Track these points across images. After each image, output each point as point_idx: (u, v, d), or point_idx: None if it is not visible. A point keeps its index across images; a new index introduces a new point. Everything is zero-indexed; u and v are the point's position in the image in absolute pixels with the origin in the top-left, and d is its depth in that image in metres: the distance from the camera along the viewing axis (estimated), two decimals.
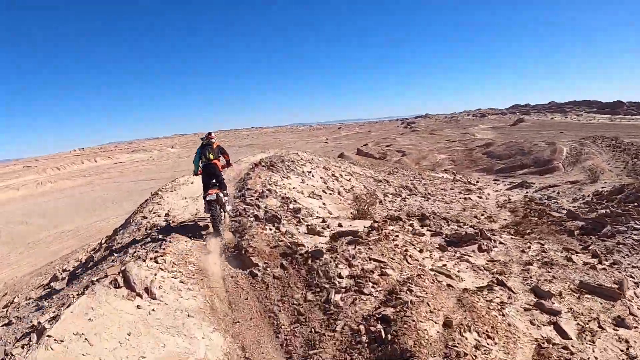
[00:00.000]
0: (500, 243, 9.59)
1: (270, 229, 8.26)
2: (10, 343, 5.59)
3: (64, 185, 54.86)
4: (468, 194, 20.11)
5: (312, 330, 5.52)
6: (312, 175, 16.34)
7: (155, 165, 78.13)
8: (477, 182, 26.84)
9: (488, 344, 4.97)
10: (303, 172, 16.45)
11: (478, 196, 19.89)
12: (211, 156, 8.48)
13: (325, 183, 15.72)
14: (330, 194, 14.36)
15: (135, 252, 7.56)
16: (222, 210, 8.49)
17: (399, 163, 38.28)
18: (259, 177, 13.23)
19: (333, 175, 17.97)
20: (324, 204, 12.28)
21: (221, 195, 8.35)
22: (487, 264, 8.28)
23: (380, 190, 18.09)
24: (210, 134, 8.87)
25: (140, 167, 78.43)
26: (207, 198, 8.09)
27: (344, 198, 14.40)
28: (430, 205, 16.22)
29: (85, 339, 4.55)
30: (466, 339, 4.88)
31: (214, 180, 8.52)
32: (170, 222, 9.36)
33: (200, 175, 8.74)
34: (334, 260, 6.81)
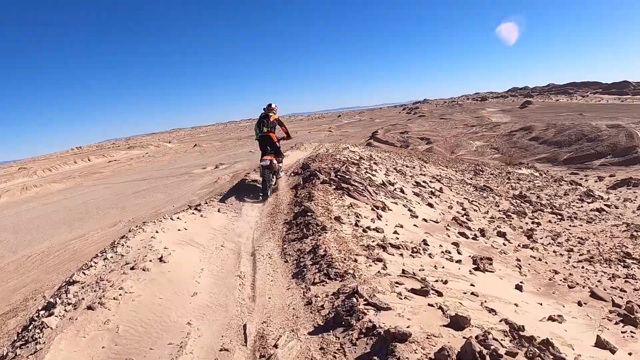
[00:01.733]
0: None
1: None
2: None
3: (50, 190, 47.90)
4: (590, 202, 13.90)
5: None
6: (402, 190, 9.96)
7: (150, 163, 72.01)
8: (582, 180, 20.50)
9: None
10: (387, 185, 10.08)
11: (606, 204, 13.67)
12: (265, 129, 8.71)
13: (431, 206, 9.35)
14: (453, 231, 7.94)
15: None
16: (274, 176, 8.77)
17: (433, 153, 32.12)
18: (335, 231, 6.04)
19: (417, 183, 11.64)
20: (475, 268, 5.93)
21: (275, 162, 8.60)
22: None
23: (493, 205, 11.77)
24: (270, 105, 8.99)
25: (134, 164, 72.20)
26: (262, 163, 8.37)
27: (472, 234, 8.02)
28: (579, 233, 10.00)
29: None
30: None
31: (269, 148, 8.79)
32: None
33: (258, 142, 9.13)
34: None
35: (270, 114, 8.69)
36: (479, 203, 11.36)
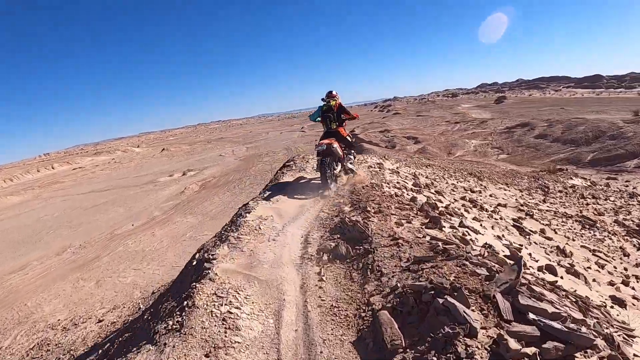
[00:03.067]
0: None
1: None
2: None
3: (5, 203, 41.55)
4: None
5: None
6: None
7: (115, 170, 66.00)
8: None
9: None
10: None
11: None
12: (334, 126, 7.46)
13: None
14: None
15: None
16: (337, 164, 7.19)
17: (427, 154, 27.77)
18: None
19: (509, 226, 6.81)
20: None
21: (336, 145, 6.98)
22: None
23: (620, 254, 7.08)
24: (331, 92, 7.65)
25: (98, 172, 66.13)
26: (317, 149, 6.85)
27: None
28: None
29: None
30: None
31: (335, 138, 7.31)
32: None
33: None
34: None
35: (332, 103, 7.39)
36: (603, 253, 6.71)
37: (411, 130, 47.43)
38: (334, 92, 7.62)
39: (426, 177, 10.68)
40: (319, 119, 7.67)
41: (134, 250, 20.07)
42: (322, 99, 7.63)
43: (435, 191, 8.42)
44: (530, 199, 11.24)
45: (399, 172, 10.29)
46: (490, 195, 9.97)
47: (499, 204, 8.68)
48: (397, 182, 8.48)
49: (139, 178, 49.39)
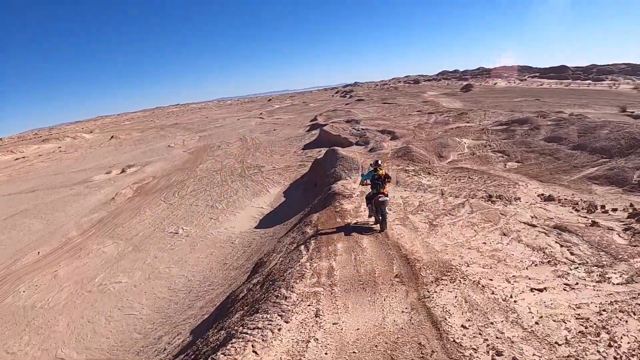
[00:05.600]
0: None
1: None
2: None
3: None
4: None
5: None
6: None
7: (57, 162, 57.87)
8: None
9: None
10: None
11: None
12: (381, 189, 10.12)
13: None
14: None
15: None
16: (387, 211, 10.10)
17: (414, 157, 21.23)
18: None
19: None
20: None
21: (388, 198, 10.04)
22: None
23: None
24: (377, 162, 10.81)
25: (37, 164, 57.76)
26: (379, 199, 9.81)
27: None
28: None
29: None
30: None
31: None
32: None
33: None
34: None
35: (380, 172, 10.30)
36: None
37: (382, 121, 40.79)
38: (380, 162, 10.77)
39: None
40: (369, 181, 10.51)
41: (21, 307, 15.60)
42: (371, 165, 10.93)
43: None
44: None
45: None
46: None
47: None
48: None
49: (74, 174, 42.70)
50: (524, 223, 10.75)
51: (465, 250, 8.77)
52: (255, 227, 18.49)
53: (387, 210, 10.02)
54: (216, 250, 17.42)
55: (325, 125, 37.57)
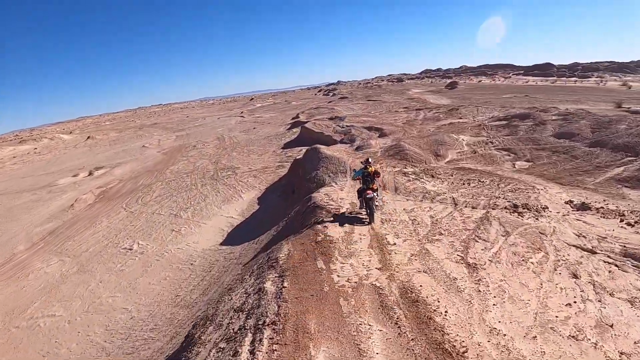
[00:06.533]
0: None
1: None
2: None
3: None
4: None
5: None
6: None
7: (28, 164, 53.69)
8: None
9: None
10: None
11: None
12: (371, 185, 10.23)
13: None
14: None
15: None
16: (374, 206, 10.16)
17: (407, 156, 18.20)
18: None
19: None
20: None
21: (375, 194, 10.13)
22: None
23: None
24: (368, 160, 11.00)
25: (8, 167, 53.29)
26: (367, 196, 9.93)
27: None
28: None
29: None
30: None
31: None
32: None
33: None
34: None
35: (370, 169, 10.51)
36: None
37: (367, 117, 37.73)
38: (370, 160, 10.97)
39: None
40: (359, 178, 10.68)
41: None
42: (362, 162, 11.73)
43: None
44: None
45: None
46: None
47: None
48: None
49: (40, 178, 39.04)
50: (576, 247, 7.70)
51: (570, 345, 5.15)
52: (221, 244, 15.05)
53: (374, 205, 10.19)
54: (172, 273, 13.97)
55: (307, 122, 34.21)
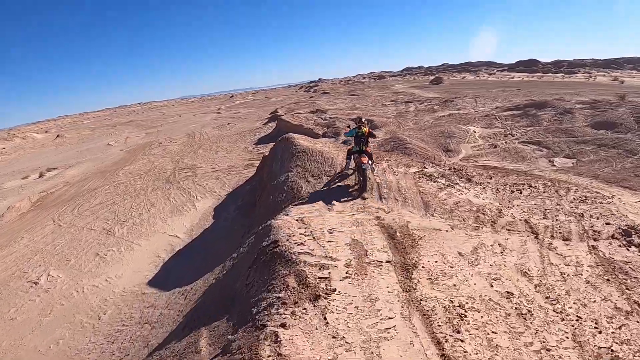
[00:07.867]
0: None
1: None
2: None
3: None
4: None
5: None
6: None
7: None
8: None
9: None
10: None
11: None
12: (364, 147, 9.37)
13: None
14: None
15: None
16: (368, 174, 9.16)
17: (408, 153, 13.73)
18: None
19: None
20: None
21: (370, 162, 9.20)
22: None
23: None
24: (361, 119, 10.03)
25: None
26: (362, 166, 8.91)
27: None
28: None
29: None
30: None
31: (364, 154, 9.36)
32: None
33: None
34: None
35: (364, 129, 9.53)
36: None
37: (353, 110, 33.22)
38: (364, 120, 10.00)
39: None
40: (352, 138, 9.71)
41: None
42: (355, 122, 10.38)
43: None
44: None
45: None
46: None
47: None
48: None
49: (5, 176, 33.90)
50: None
51: None
52: (149, 283, 10.13)
53: (368, 175, 9.12)
54: (70, 332, 9.01)
55: (283, 116, 29.34)
